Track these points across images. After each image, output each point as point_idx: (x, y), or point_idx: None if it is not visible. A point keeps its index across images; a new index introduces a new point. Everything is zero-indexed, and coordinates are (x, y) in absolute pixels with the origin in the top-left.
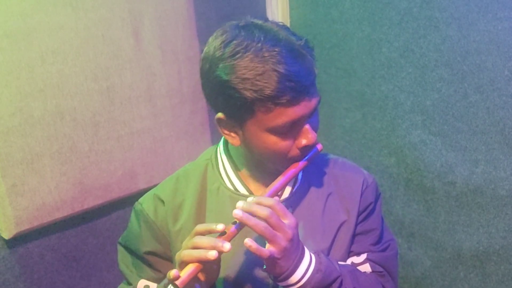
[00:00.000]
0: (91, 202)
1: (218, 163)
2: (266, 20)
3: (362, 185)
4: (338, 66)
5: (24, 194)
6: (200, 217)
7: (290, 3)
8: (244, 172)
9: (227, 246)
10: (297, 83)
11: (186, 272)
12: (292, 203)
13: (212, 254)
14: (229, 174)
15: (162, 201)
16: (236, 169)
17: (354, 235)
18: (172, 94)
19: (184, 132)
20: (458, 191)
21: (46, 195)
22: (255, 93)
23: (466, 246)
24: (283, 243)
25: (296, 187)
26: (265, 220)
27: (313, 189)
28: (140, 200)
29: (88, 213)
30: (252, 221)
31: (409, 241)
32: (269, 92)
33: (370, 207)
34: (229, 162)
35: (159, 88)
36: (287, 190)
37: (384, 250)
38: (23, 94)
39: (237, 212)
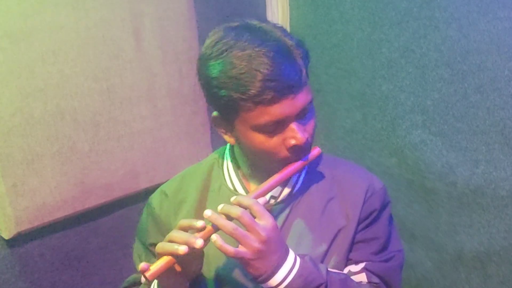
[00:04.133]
0: (92, 202)
1: (223, 162)
2: (263, 21)
3: (367, 191)
4: (338, 66)
5: (25, 194)
6: (200, 214)
7: (290, 3)
8: (244, 171)
9: (199, 242)
10: (280, 82)
11: (157, 265)
12: (289, 205)
13: (182, 249)
14: (230, 174)
15: (167, 195)
16: (237, 168)
17: (353, 242)
18: (172, 95)
19: (185, 133)
20: (459, 191)
21: (47, 195)
22: (238, 92)
23: (467, 247)
24: (255, 244)
25: (296, 188)
26: (237, 220)
27: (314, 192)
28: (152, 194)
29: (89, 213)
30: (221, 221)
31: (411, 242)
32: (251, 91)
33: (374, 215)
34: (231, 162)
35: (160, 89)
36: (285, 192)
37: (386, 260)
38: (23, 94)
39: (207, 212)
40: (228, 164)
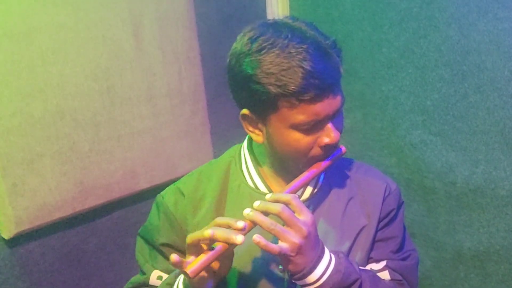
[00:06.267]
0: (91, 202)
1: (241, 160)
2: (296, 19)
3: (385, 191)
4: None
5: (25, 194)
6: (219, 212)
7: (290, 4)
8: (266, 170)
9: (239, 238)
10: (322, 80)
11: (198, 262)
12: (312, 204)
13: (208, 232)
14: (250, 172)
15: (183, 194)
16: (258, 167)
17: (374, 241)
18: (172, 94)
19: (184, 132)
20: (459, 191)
21: (47, 195)
22: (279, 88)
23: (467, 246)
24: (296, 240)
25: (317, 188)
26: (278, 216)
27: (334, 192)
28: (162, 192)
29: (89, 213)
30: (260, 217)
31: None
32: (293, 88)
33: (392, 214)
34: (251, 160)
35: (160, 88)
36: (308, 191)
37: (404, 259)
38: (23, 94)
39: (246, 211)
40: (247, 162)
